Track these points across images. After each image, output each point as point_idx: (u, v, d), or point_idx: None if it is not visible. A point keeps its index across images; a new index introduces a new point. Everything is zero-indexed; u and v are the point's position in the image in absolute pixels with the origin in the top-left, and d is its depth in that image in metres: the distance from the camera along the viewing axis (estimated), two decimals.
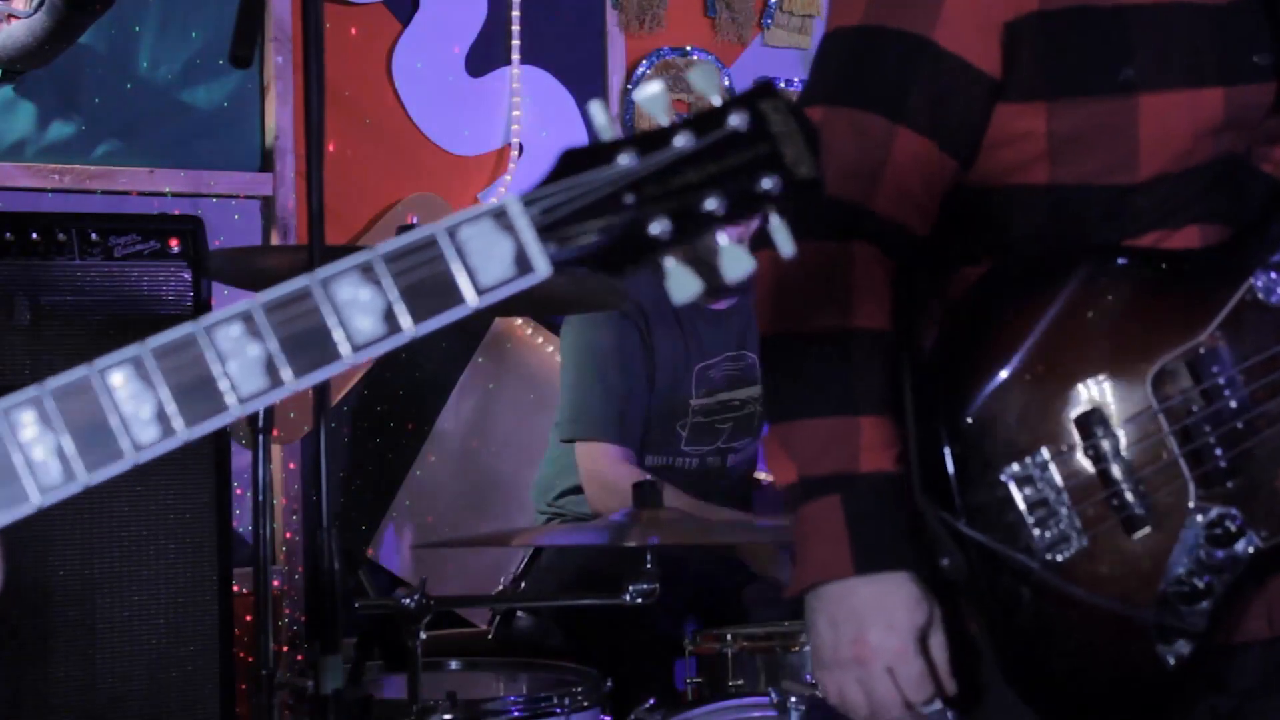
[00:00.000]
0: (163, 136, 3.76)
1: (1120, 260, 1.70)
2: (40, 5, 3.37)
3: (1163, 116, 1.69)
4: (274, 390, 1.01)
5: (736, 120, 1.01)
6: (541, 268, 1.01)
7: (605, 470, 3.40)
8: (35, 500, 1.02)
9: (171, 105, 3.77)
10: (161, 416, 1.01)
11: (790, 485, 1.69)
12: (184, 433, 1.02)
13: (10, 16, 3.41)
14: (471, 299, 1.01)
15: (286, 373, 1.01)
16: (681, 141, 1.01)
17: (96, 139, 3.70)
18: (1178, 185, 1.72)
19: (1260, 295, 1.67)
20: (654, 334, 3.49)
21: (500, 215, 1.01)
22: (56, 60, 3.55)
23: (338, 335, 1.00)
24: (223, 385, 1.02)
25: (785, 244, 1.04)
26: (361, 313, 1.00)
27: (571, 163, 1.02)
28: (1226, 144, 1.74)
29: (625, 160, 1.00)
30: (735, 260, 1.02)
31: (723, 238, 1.00)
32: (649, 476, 3.27)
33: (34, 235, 3.05)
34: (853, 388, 1.67)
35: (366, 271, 1.00)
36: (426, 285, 1.00)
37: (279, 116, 3.83)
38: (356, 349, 1.01)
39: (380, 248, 1.01)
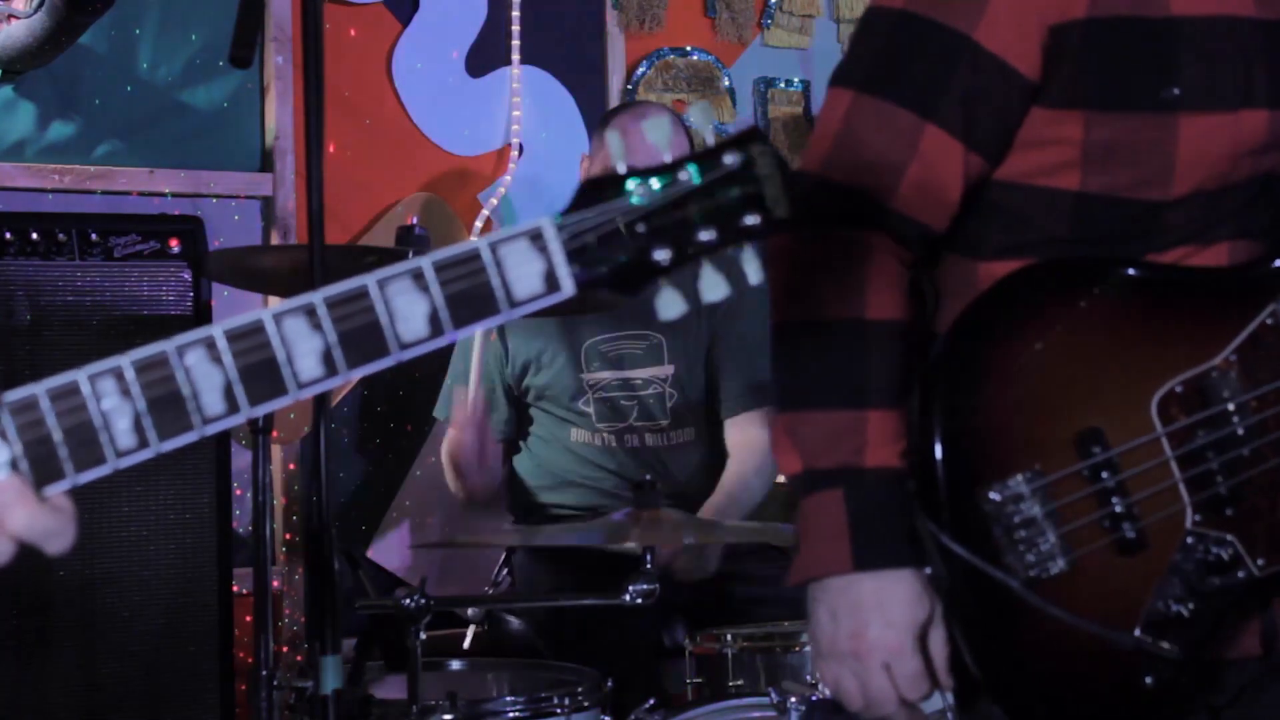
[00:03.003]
0: (163, 136, 3.76)
1: (1139, 275, 1.67)
2: (40, 5, 3.37)
3: (1203, 137, 1.66)
4: (329, 379, 1.12)
5: (731, 160, 1.13)
6: (568, 287, 1.12)
7: (443, 444, 3.67)
8: (111, 462, 1.13)
9: (171, 105, 3.77)
10: (229, 393, 1.12)
11: (795, 475, 1.68)
12: (246, 410, 1.12)
13: (10, 16, 3.41)
14: (505, 310, 1.12)
15: (341, 364, 1.12)
16: (685, 176, 1.12)
17: (96, 139, 3.70)
18: (1212, 203, 1.69)
19: None
20: (514, 329, 3.59)
21: (536, 237, 1.11)
22: (56, 60, 3.55)
23: (389, 334, 1.12)
24: (285, 371, 1.13)
25: (755, 274, 1.16)
26: (410, 315, 1.12)
27: (594, 190, 1.13)
28: (1268, 164, 1.70)
29: (639, 192, 1.12)
30: (714, 285, 1.14)
31: (705, 264, 1.13)
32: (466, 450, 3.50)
33: (34, 235, 3.05)
34: (862, 380, 1.66)
35: (418, 278, 1.11)
36: (468, 294, 1.11)
37: (279, 116, 3.83)
38: (403, 347, 1.13)
39: (429, 257, 1.12)
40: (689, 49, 4.37)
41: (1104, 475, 1.62)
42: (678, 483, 3.60)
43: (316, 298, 1.12)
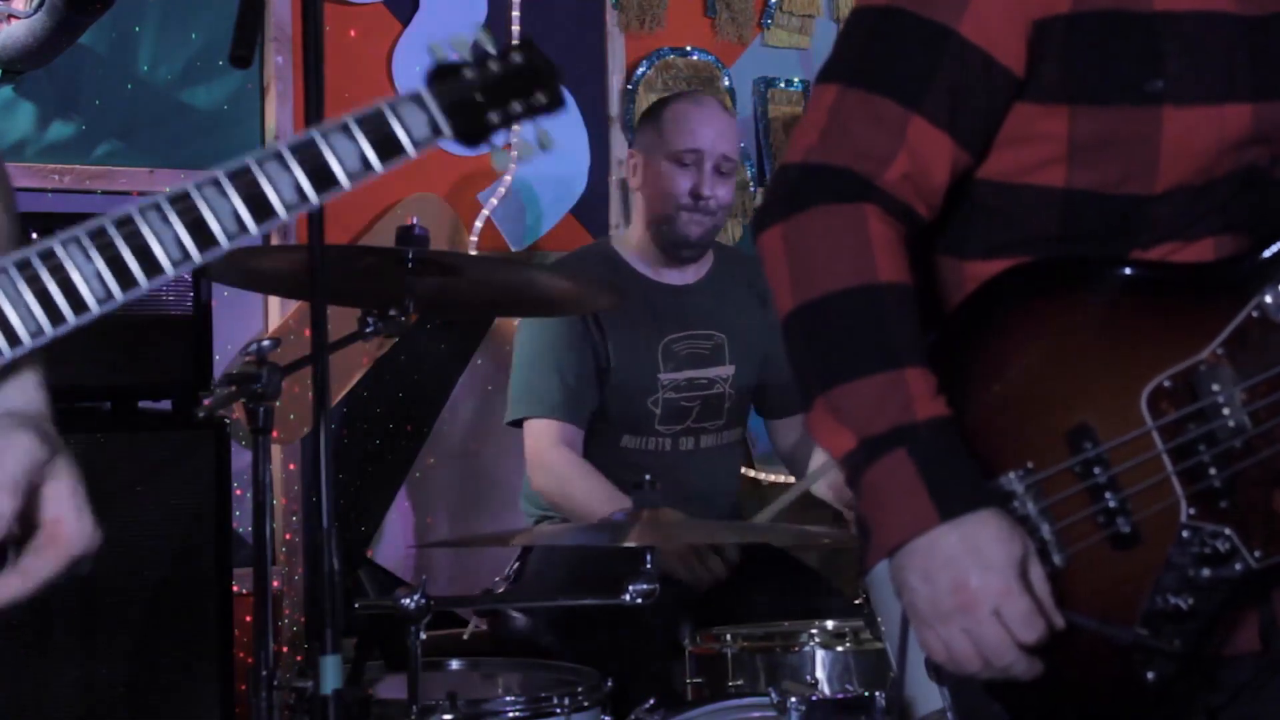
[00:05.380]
0: (163, 136, 3.76)
1: (1125, 272, 1.68)
2: (40, 5, 3.37)
3: (1186, 130, 1.67)
4: (305, 204, 1.49)
5: (518, 57, 1.54)
6: (447, 131, 1.54)
7: (545, 450, 3.50)
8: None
9: (171, 105, 3.77)
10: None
11: (850, 452, 1.63)
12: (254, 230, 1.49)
13: (10, 16, 3.41)
14: (411, 150, 1.54)
15: (311, 196, 1.49)
16: (495, 66, 1.54)
17: (96, 139, 3.70)
18: (1196, 198, 1.70)
19: (1270, 313, 1.64)
20: (607, 318, 3.54)
21: (418, 98, 1.52)
22: (56, 60, 3.55)
23: (339, 170, 1.49)
24: (274, 201, 1.50)
25: (546, 143, 1.60)
26: (349, 155, 1.50)
27: (443, 72, 1.53)
28: (1250, 158, 1.71)
29: (470, 74, 1.53)
30: (527, 148, 1.61)
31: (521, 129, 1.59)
32: (581, 461, 3.45)
33: (34, 235, 3.05)
34: (891, 342, 1.63)
35: (345, 129, 1.49)
36: (383, 140, 1.52)
37: (279, 116, 3.83)
38: (351, 178, 1.50)
39: (351, 115, 1.51)
40: (689, 49, 4.37)
41: (1096, 471, 1.63)
42: (719, 485, 3.62)
43: (282, 145, 1.48)
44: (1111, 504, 1.62)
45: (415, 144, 1.54)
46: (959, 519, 1.58)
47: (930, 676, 1.75)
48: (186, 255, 1.47)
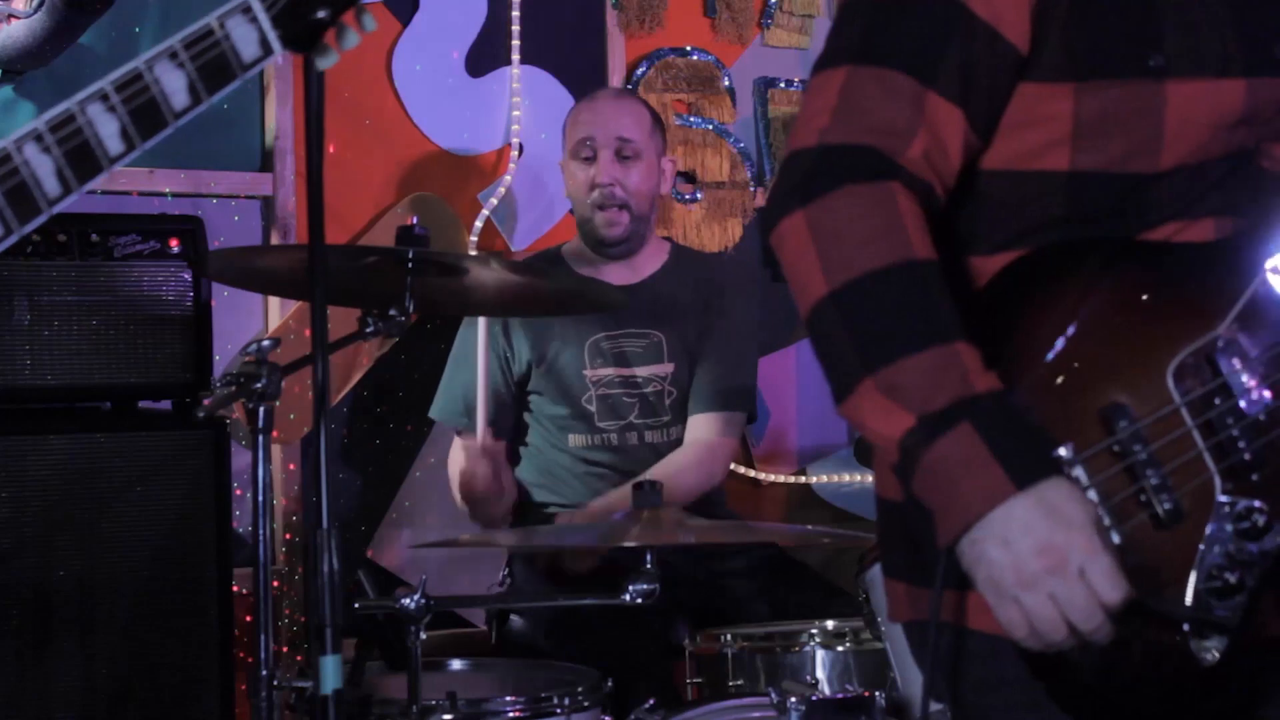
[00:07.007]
0: (163, 137, 3.75)
1: (1136, 254, 1.69)
2: (40, 5, 3.38)
3: (1190, 103, 1.68)
4: (131, 152, 1.46)
5: None
6: (276, 48, 1.46)
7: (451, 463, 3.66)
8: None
9: None
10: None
11: (909, 431, 1.59)
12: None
13: (10, 16, 3.41)
14: (239, 74, 1.46)
15: (136, 139, 1.45)
16: None
17: None
18: (1195, 177, 1.71)
19: (1277, 285, 1.66)
20: (526, 324, 3.60)
21: (248, 10, 1.44)
22: (56, 60, 3.55)
23: (164, 108, 1.46)
24: (98, 152, 1.45)
25: (353, 40, 1.52)
26: (176, 89, 1.44)
27: None
28: (1240, 138, 1.73)
29: None
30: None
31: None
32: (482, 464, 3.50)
33: (34, 235, 3.05)
34: (938, 316, 1.62)
35: (173, 56, 1.43)
36: (215, 63, 1.44)
37: (279, 116, 3.83)
38: (177, 116, 1.47)
39: (179, 37, 1.44)
40: (689, 49, 4.37)
41: (1136, 448, 1.62)
42: None
43: (106, 84, 1.42)
44: (1154, 481, 1.62)
45: (245, 68, 1.47)
46: (1031, 488, 1.56)
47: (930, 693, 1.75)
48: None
